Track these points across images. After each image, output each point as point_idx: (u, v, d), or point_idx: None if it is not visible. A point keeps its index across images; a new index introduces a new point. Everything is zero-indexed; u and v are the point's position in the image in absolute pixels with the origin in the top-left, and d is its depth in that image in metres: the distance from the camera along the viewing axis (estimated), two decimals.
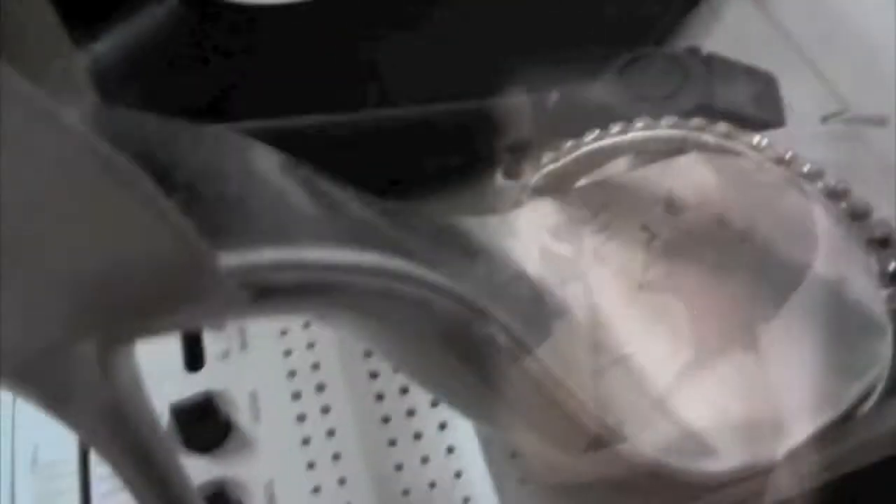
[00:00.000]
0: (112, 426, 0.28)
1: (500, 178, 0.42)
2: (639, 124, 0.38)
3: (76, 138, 0.22)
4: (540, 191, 0.40)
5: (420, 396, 0.39)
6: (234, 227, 0.27)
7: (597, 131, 0.39)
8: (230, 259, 0.26)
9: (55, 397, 0.26)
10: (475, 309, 0.31)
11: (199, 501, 0.31)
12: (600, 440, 0.33)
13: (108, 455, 0.29)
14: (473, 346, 0.32)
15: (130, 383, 0.28)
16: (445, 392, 0.35)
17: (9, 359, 0.24)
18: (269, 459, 0.38)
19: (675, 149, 0.38)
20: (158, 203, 0.24)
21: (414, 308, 0.30)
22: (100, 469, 0.39)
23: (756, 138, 0.37)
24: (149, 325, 0.26)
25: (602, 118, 0.40)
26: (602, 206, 0.40)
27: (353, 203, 0.32)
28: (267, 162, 0.31)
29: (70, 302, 0.24)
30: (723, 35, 0.46)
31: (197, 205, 0.26)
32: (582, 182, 0.40)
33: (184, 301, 0.25)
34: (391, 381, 0.39)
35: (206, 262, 0.25)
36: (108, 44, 0.48)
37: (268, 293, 0.27)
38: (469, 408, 0.35)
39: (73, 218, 0.23)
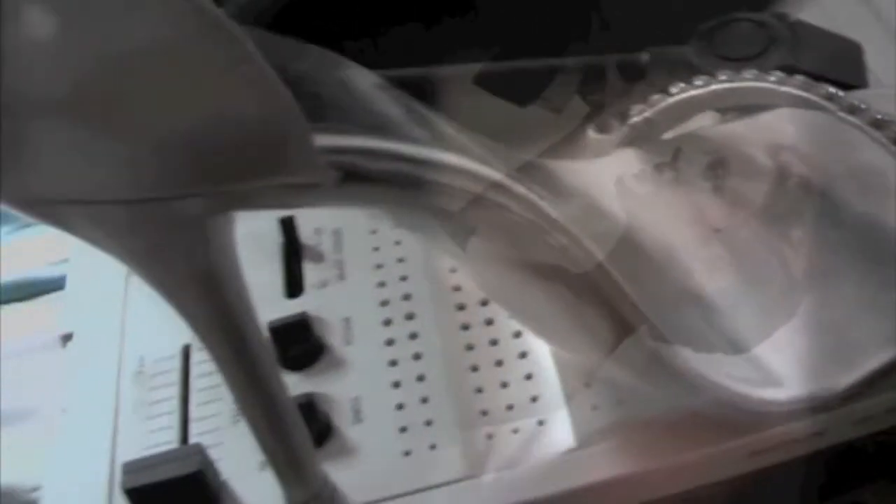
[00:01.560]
0: (204, 290, 0.30)
1: (591, 132, 0.44)
2: (722, 77, 0.40)
3: None
4: (627, 141, 0.42)
5: (503, 327, 0.41)
6: (328, 119, 0.30)
7: (682, 85, 0.41)
8: (323, 140, 0.29)
9: (156, 250, 0.29)
10: (552, 220, 0.33)
11: (280, 377, 0.34)
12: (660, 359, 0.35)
13: (194, 321, 0.31)
14: (549, 258, 0.34)
15: (228, 253, 0.30)
16: (520, 309, 0.37)
17: (120, 207, 0.27)
18: (357, 378, 0.41)
19: (756, 102, 0.40)
20: (262, 66, 0.26)
21: (493, 213, 0.32)
22: (199, 381, 0.42)
23: (832, 89, 0.38)
24: (247, 191, 0.28)
25: (689, 77, 0.42)
26: (684, 157, 0.42)
27: (443, 124, 0.34)
28: (363, 77, 0.33)
29: (175, 158, 0.27)
30: (814, 9, 0.48)
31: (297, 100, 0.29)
32: (668, 135, 0.42)
33: (280, 167, 0.28)
34: (477, 313, 0.42)
35: (302, 130, 0.27)
36: None
37: (354, 178, 0.30)
38: (543, 326, 0.37)
39: (181, 74, 0.26)
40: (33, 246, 0.58)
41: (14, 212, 0.28)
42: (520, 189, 0.32)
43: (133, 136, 0.26)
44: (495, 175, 0.32)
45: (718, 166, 0.37)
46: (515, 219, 0.33)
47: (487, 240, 0.34)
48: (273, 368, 0.34)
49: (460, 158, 0.31)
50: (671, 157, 0.36)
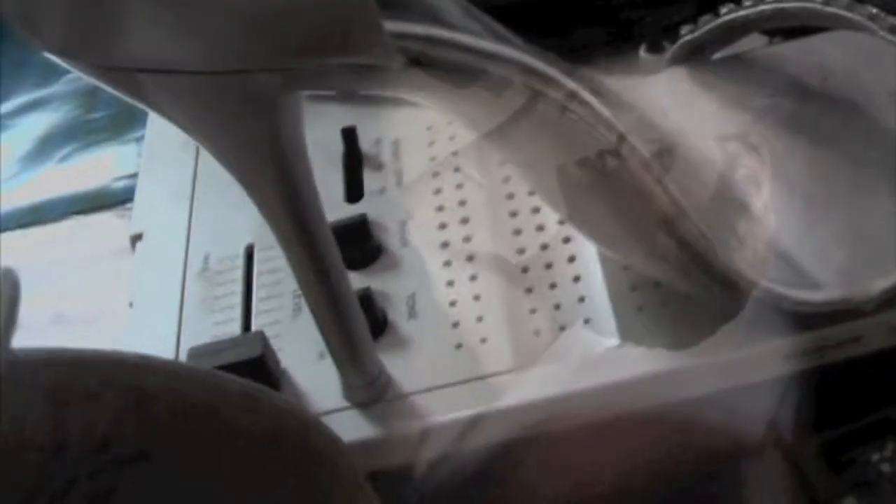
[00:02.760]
0: (275, 166, 0.32)
1: (642, 51, 0.46)
2: None
3: None
4: (677, 60, 0.44)
5: (553, 232, 0.43)
6: (397, 7, 0.32)
7: (730, 5, 0.42)
8: (391, 25, 0.31)
9: (229, 125, 0.31)
10: (602, 117, 0.35)
11: (342, 266, 0.36)
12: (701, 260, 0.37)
13: (264, 201, 0.33)
14: (598, 158, 0.36)
15: (297, 133, 0.32)
16: (570, 210, 0.39)
17: (198, 78, 0.29)
18: (412, 277, 0.43)
19: (802, 23, 0.42)
20: None
21: (547, 108, 0.34)
22: (262, 278, 0.44)
23: (874, 10, 0.40)
24: (319, 69, 0.30)
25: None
26: (732, 78, 0.43)
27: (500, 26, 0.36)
28: None
29: (253, 32, 0.29)
30: None
31: None
32: (717, 55, 0.44)
33: (350, 46, 0.30)
34: (528, 219, 0.44)
35: (373, 13, 0.29)
36: None
37: (418, 63, 0.32)
38: (593, 228, 0.39)
39: None
40: (102, 162, 0.61)
41: (94, 78, 0.30)
42: (572, 85, 0.34)
43: (214, 9, 0.28)
44: (550, 70, 0.34)
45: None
46: (568, 114, 0.34)
47: (540, 138, 0.36)
48: (336, 255, 0.36)
49: (519, 53, 0.33)
50: (615, 143, 0.37)
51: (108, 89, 0.31)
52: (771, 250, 0.39)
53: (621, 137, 0.35)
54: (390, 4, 0.31)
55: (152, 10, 0.28)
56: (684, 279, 0.39)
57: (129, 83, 0.31)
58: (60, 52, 0.30)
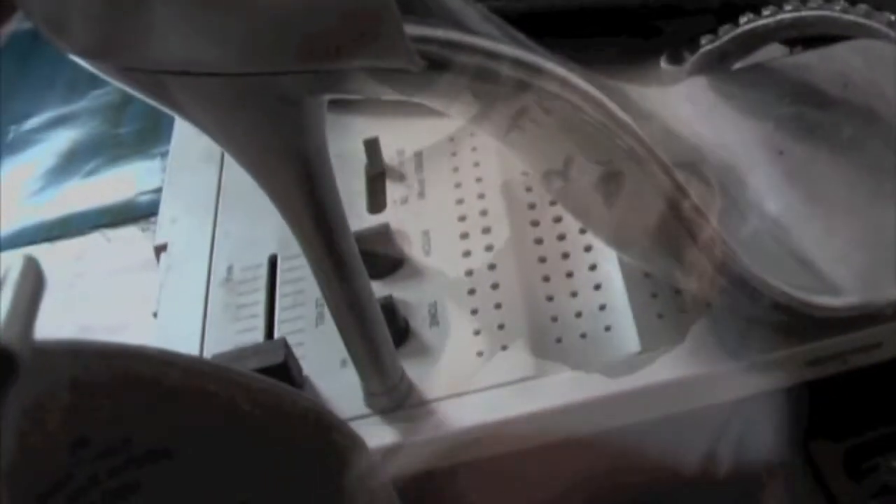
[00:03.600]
0: (298, 171, 0.33)
1: (663, 62, 0.46)
2: (788, 7, 0.42)
3: None
4: (697, 70, 0.44)
5: (574, 241, 0.43)
6: (418, 12, 0.32)
7: (750, 15, 0.43)
8: (412, 28, 0.31)
9: (253, 127, 0.31)
10: (621, 121, 0.35)
11: (364, 272, 0.36)
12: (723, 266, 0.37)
13: (287, 206, 0.34)
14: (618, 159, 0.36)
15: (320, 137, 0.33)
16: (590, 218, 0.39)
17: (222, 80, 0.30)
18: (434, 286, 0.43)
19: (822, 31, 0.42)
20: None
21: (567, 112, 0.34)
22: (284, 287, 0.44)
23: (893, 17, 0.40)
24: (341, 72, 0.31)
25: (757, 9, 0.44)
26: (752, 87, 0.44)
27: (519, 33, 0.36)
28: None
29: (277, 35, 0.29)
30: None
31: None
32: (737, 65, 0.44)
33: (373, 49, 0.30)
34: (550, 228, 0.44)
35: (394, 17, 0.30)
36: None
37: (438, 67, 0.32)
38: (613, 234, 0.39)
39: None
40: (127, 176, 0.61)
41: (119, 81, 0.31)
42: (591, 90, 0.34)
43: (238, 11, 0.28)
44: (569, 75, 0.34)
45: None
46: (586, 119, 0.35)
47: (561, 144, 0.36)
48: (359, 263, 0.36)
49: (538, 57, 0.34)
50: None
51: (134, 93, 0.32)
52: (791, 256, 0.39)
53: (641, 141, 0.35)
54: (411, 9, 0.32)
55: (177, 12, 0.28)
56: (704, 284, 0.39)
57: (155, 85, 0.31)
58: (86, 55, 0.30)
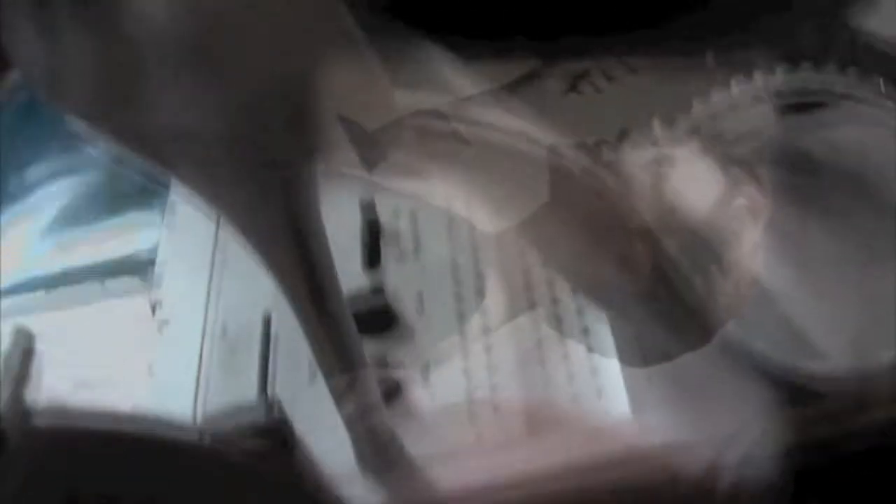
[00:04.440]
0: (292, 236, 0.33)
1: (656, 125, 0.46)
2: (779, 72, 0.43)
3: None
4: (689, 133, 0.45)
5: (567, 305, 0.44)
6: (406, 81, 0.33)
7: (741, 78, 0.43)
8: (401, 98, 0.31)
9: (249, 193, 0.32)
10: (606, 184, 0.36)
11: (356, 332, 0.36)
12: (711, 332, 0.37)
13: (280, 270, 0.34)
14: (600, 224, 0.36)
15: (314, 202, 0.33)
16: (581, 280, 0.40)
17: (221, 145, 0.30)
18: (427, 345, 0.43)
19: (812, 97, 0.42)
20: (354, 32, 0.29)
21: (556, 178, 0.35)
22: (279, 346, 0.45)
23: (882, 85, 0.41)
24: (333, 139, 0.31)
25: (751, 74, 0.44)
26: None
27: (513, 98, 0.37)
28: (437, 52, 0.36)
29: (274, 102, 0.30)
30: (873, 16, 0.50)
31: None
32: (728, 127, 0.45)
33: (363, 113, 0.30)
34: (543, 292, 0.44)
35: (384, 87, 0.30)
36: None
37: (429, 134, 0.32)
38: (602, 296, 0.40)
39: (283, 29, 0.29)
40: (128, 229, 0.62)
41: (117, 144, 0.31)
42: (579, 155, 0.35)
43: (234, 77, 0.29)
44: (564, 147, 0.35)
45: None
46: (574, 182, 0.35)
47: (549, 206, 0.36)
48: (350, 323, 0.37)
49: (525, 124, 0.34)
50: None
51: (129, 154, 0.32)
52: (776, 321, 0.40)
53: (624, 202, 0.36)
54: (401, 80, 0.32)
55: (174, 77, 0.29)
56: (690, 350, 0.39)
57: (151, 149, 0.31)
58: (84, 118, 0.31)
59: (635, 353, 0.42)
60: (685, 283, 0.37)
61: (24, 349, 0.20)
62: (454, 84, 0.35)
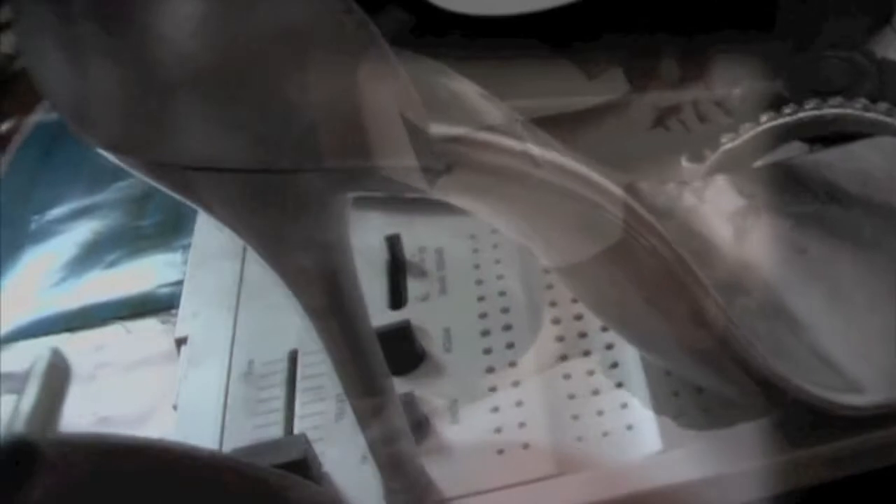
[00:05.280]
0: (320, 268, 0.33)
1: (683, 160, 0.46)
2: (808, 106, 0.42)
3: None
4: (718, 169, 0.45)
5: (595, 339, 0.43)
6: (441, 110, 0.33)
7: (770, 113, 0.43)
8: (437, 128, 0.31)
9: (276, 223, 0.31)
10: (644, 221, 0.35)
11: (386, 368, 0.36)
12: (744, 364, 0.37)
13: (309, 303, 0.34)
14: (636, 257, 0.36)
15: (343, 234, 0.33)
16: (612, 316, 0.39)
17: (247, 176, 0.30)
18: (455, 382, 0.43)
19: (842, 130, 0.42)
20: (387, 53, 0.29)
21: (584, 208, 0.35)
22: (305, 382, 0.44)
23: None
24: (366, 170, 0.31)
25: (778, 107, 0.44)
26: (772, 185, 0.44)
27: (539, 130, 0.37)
28: (466, 86, 0.36)
29: (303, 133, 0.30)
30: None
31: None
32: (758, 163, 0.44)
33: (397, 149, 0.30)
34: (571, 326, 0.44)
35: (420, 116, 0.30)
36: None
37: (463, 166, 0.32)
38: (634, 333, 0.39)
39: (314, 56, 0.29)
40: (148, 268, 0.62)
41: (143, 175, 0.31)
42: (615, 189, 0.35)
43: (263, 109, 0.29)
44: (590, 174, 0.34)
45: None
46: (609, 218, 0.35)
47: (581, 242, 0.36)
48: (380, 359, 0.36)
49: (561, 157, 0.34)
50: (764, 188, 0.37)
51: (157, 187, 0.32)
52: (814, 355, 0.39)
53: (660, 237, 0.36)
54: (435, 107, 0.32)
55: (203, 108, 0.29)
56: (725, 384, 0.39)
57: (178, 180, 0.31)
58: (112, 149, 0.31)
59: (666, 387, 0.41)
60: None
61: (60, 369, 0.20)
62: (490, 115, 0.34)
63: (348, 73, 0.29)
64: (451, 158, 0.31)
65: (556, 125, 0.36)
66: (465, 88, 0.35)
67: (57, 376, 0.20)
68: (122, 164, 0.31)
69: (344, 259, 0.34)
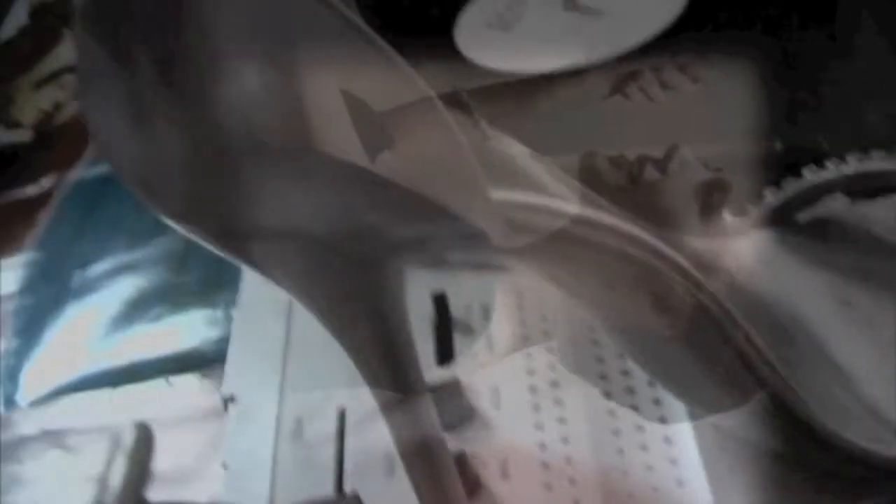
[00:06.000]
0: (374, 324, 0.33)
1: (726, 214, 0.46)
2: (851, 159, 0.43)
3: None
4: (761, 223, 0.45)
5: (643, 395, 0.44)
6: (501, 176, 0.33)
7: (813, 167, 0.43)
8: (497, 193, 0.32)
9: (335, 287, 0.32)
10: (693, 278, 0.36)
11: (439, 426, 0.36)
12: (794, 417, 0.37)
13: (364, 362, 0.34)
14: (686, 314, 0.36)
15: (401, 297, 0.33)
16: (660, 371, 0.40)
17: (308, 243, 0.30)
18: (504, 439, 0.43)
19: (885, 183, 0.43)
20: (447, 119, 0.30)
21: (636, 267, 0.35)
22: (354, 440, 0.45)
23: None
24: (427, 236, 0.31)
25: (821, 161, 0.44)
26: (817, 238, 0.44)
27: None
28: (515, 146, 0.36)
29: (367, 199, 0.30)
30: None
31: None
32: (802, 216, 0.45)
33: (459, 214, 0.31)
34: (618, 382, 0.44)
35: (481, 181, 0.30)
36: None
37: (522, 230, 0.33)
38: (681, 387, 0.40)
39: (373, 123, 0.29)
40: (191, 324, 0.62)
41: (205, 242, 0.31)
42: (665, 248, 0.35)
43: (330, 179, 0.29)
44: (644, 235, 0.35)
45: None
46: (659, 276, 0.35)
47: (631, 299, 0.36)
48: (433, 416, 0.37)
49: (614, 218, 0.34)
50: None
51: (218, 253, 0.32)
52: (863, 408, 0.39)
53: (710, 295, 0.36)
54: (496, 175, 0.33)
55: (267, 174, 0.29)
56: (775, 438, 0.39)
57: (240, 247, 0.32)
58: (179, 218, 0.31)
59: (715, 442, 0.41)
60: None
61: (145, 443, 0.20)
62: (541, 177, 0.35)
63: (415, 142, 0.29)
64: (513, 224, 0.32)
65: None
66: (513, 148, 0.36)
67: (144, 450, 0.20)
68: (185, 232, 0.32)
69: (400, 318, 0.34)
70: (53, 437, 0.58)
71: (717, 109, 0.47)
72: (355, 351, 0.35)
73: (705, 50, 0.48)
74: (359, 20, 0.29)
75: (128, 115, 0.30)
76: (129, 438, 0.20)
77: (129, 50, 0.29)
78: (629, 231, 0.34)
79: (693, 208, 0.38)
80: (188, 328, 0.61)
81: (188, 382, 0.58)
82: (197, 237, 0.32)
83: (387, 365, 0.35)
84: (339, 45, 0.29)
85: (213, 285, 0.63)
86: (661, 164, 0.37)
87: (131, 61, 0.29)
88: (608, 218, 0.34)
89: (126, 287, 0.65)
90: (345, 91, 0.29)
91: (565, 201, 0.33)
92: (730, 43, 0.50)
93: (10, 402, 0.60)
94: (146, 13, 0.29)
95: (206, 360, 0.59)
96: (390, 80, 0.30)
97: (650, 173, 0.38)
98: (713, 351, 0.37)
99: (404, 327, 0.34)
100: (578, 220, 0.33)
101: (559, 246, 0.34)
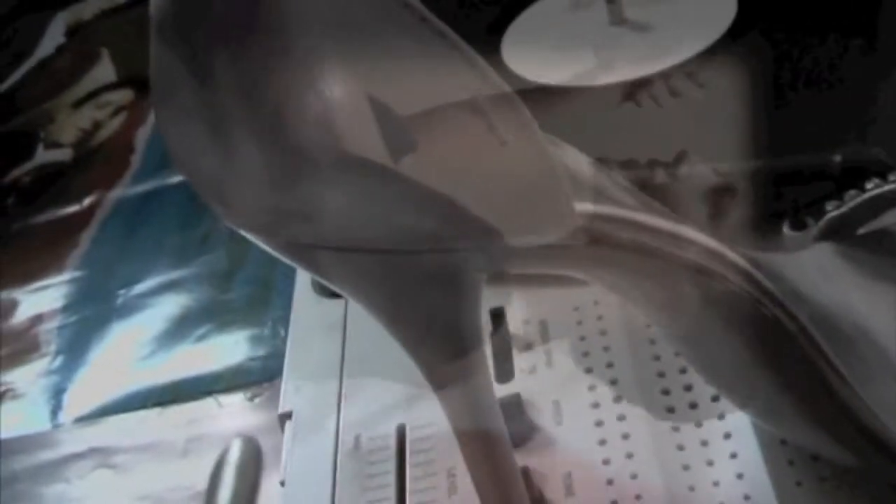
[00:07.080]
0: (448, 338, 0.33)
1: (786, 229, 0.46)
2: None
3: None
4: (822, 236, 0.45)
5: (707, 409, 0.43)
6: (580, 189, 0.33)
7: (876, 181, 0.43)
8: (579, 205, 0.32)
9: (405, 301, 0.32)
10: (767, 292, 0.36)
11: (508, 439, 0.36)
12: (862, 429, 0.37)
13: (434, 373, 0.34)
14: (759, 329, 0.36)
15: (475, 310, 0.33)
16: (726, 384, 0.39)
17: (377, 257, 0.30)
18: (568, 455, 0.43)
19: None
20: (535, 131, 0.30)
21: (709, 279, 0.35)
22: (415, 457, 0.44)
23: None
24: (507, 249, 0.31)
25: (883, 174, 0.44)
26: (878, 251, 0.44)
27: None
28: (579, 156, 0.36)
29: (440, 215, 0.30)
30: None
31: None
32: (863, 230, 0.45)
33: (541, 227, 0.31)
34: (681, 397, 0.44)
35: (565, 194, 0.30)
36: None
37: (601, 242, 0.32)
38: (747, 399, 0.39)
39: (459, 139, 0.29)
40: (237, 342, 0.62)
41: (275, 252, 0.31)
42: (739, 260, 0.35)
43: (405, 195, 0.29)
44: (719, 247, 0.35)
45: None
46: (733, 289, 0.35)
47: (703, 311, 0.36)
48: (504, 431, 0.37)
49: (685, 228, 0.34)
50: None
51: (286, 260, 0.32)
52: None
53: (782, 307, 0.36)
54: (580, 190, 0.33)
55: (345, 195, 0.29)
56: (842, 447, 0.39)
57: (310, 259, 0.32)
58: (252, 230, 0.31)
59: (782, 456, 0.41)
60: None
61: (254, 460, 0.20)
62: (607, 188, 0.35)
63: (494, 157, 0.29)
64: (593, 235, 0.32)
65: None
66: (578, 159, 0.36)
67: (252, 466, 0.20)
68: (257, 242, 0.32)
69: (474, 336, 0.34)
70: (101, 456, 0.58)
71: (724, 117, 0.47)
72: (427, 364, 0.35)
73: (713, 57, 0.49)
74: (439, 22, 0.29)
75: (204, 130, 0.30)
76: (235, 453, 0.20)
77: (206, 59, 0.29)
78: (709, 244, 0.34)
79: (702, 212, 0.38)
80: (235, 346, 0.61)
81: (236, 400, 0.58)
82: (271, 249, 0.32)
83: (459, 376, 0.34)
84: (420, 48, 0.29)
85: (259, 303, 0.63)
86: (671, 169, 0.37)
87: (209, 71, 0.29)
88: (682, 229, 0.34)
89: (171, 305, 0.65)
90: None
91: (648, 215, 0.33)
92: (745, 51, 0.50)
93: (55, 420, 0.60)
94: (224, 22, 0.29)
95: (253, 378, 0.59)
96: (471, 81, 0.30)
97: (660, 177, 0.38)
98: (787, 366, 0.36)
99: (478, 338, 0.34)
100: (659, 233, 0.33)
101: (637, 258, 0.33)
